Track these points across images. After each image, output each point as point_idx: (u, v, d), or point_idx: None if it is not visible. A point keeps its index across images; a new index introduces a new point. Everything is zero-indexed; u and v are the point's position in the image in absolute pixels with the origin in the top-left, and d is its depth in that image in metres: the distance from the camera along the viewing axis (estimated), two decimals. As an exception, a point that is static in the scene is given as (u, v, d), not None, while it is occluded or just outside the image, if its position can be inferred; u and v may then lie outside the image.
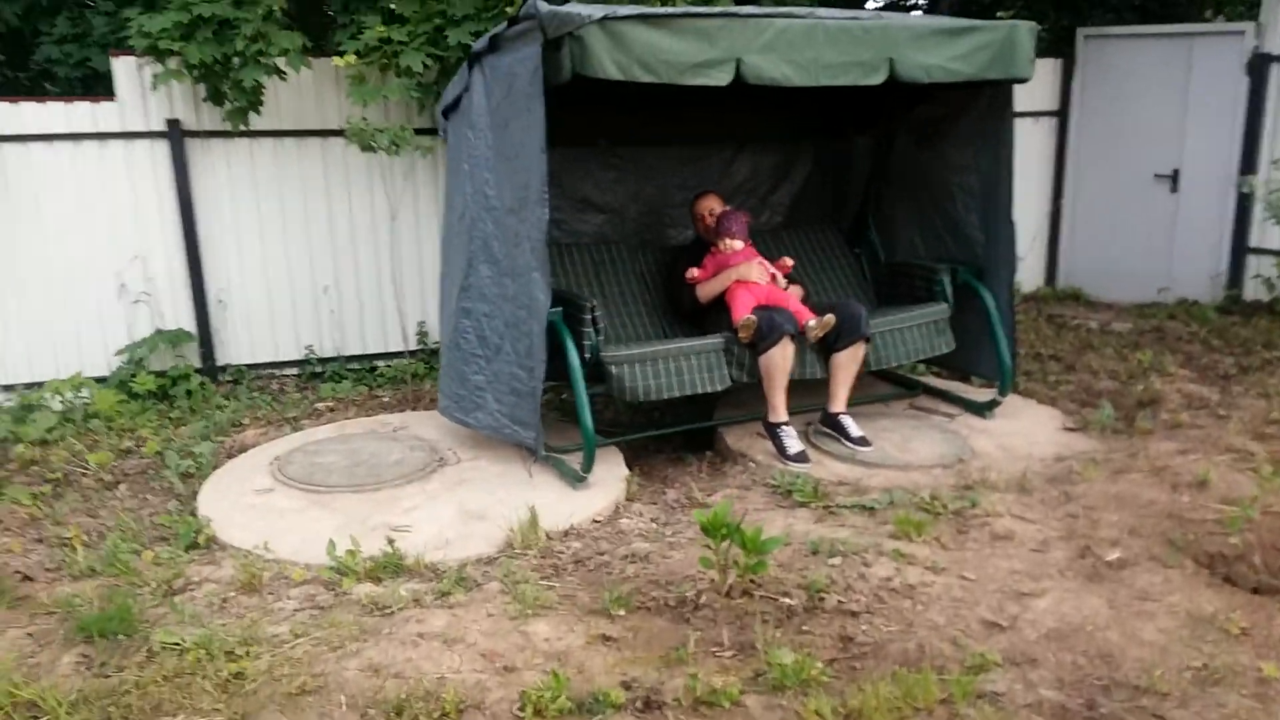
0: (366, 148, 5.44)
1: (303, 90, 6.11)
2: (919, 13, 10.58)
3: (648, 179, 5.20)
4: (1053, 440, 4.54)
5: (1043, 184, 8.05)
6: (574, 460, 4.07)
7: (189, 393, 5.65)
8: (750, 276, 4.51)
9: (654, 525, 3.72)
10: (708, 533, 2.89)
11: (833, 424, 4.44)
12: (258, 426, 5.03)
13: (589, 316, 4.01)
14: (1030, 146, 7.83)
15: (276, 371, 6.31)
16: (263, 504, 3.75)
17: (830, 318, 4.35)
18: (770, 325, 4.22)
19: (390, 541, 3.30)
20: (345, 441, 4.41)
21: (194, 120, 5.93)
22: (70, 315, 5.84)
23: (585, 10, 3.48)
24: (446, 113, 4.45)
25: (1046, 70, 7.78)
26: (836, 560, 3.22)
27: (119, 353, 5.90)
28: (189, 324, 6.11)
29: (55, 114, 5.71)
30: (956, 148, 4.89)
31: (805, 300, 4.73)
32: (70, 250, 5.78)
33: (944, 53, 4.11)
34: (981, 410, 4.86)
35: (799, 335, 4.32)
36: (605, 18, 3.48)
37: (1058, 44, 8.25)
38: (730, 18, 3.72)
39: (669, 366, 4.16)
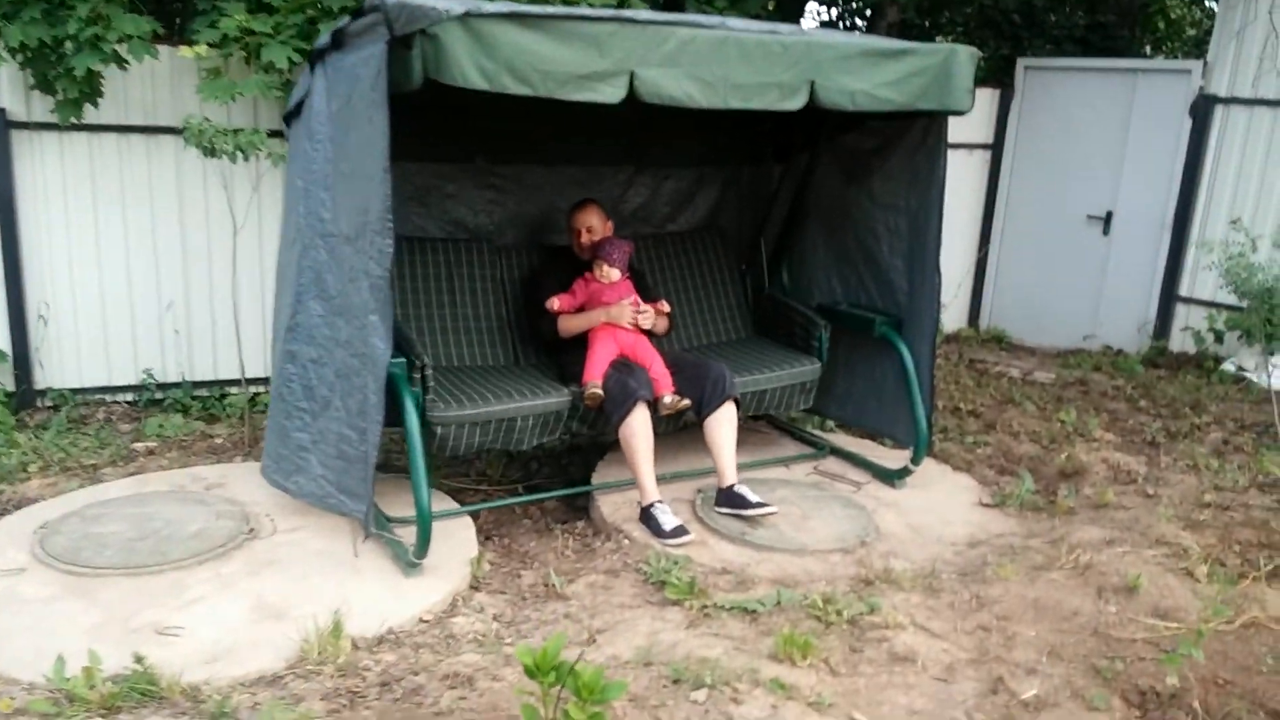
0: (208, 152, 4.72)
1: (156, 81, 5.33)
2: (856, 33, 10.15)
3: (529, 200, 4.58)
4: (967, 518, 4.03)
5: (973, 219, 7.63)
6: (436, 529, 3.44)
7: (-16, 424, 4.83)
8: (621, 321, 3.98)
9: (495, 626, 3.10)
10: (534, 675, 2.27)
11: (729, 499, 3.87)
12: (47, 475, 4.26)
13: (418, 375, 3.45)
14: (962, 180, 7.40)
15: (109, 398, 5.52)
16: (2, 590, 3.02)
17: (686, 402, 3.96)
18: (623, 391, 3.76)
19: (138, 659, 2.60)
20: (140, 503, 3.68)
21: (23, 110, 5.14)
22: None
23: (443, 4, 2.85)
24: (288, 119, 3.78)
25: (983, 100, 7.35)
26: (701, 695, 2.63)
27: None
28: (3, 341, 5.30)
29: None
30: (884, 184, 4.36)
31: (669, 332, 4.35)
32: None
33: (873, 77, 3.56)
34: (892, 478, 4.33)
35: (654, 402, 3.86)
36: (468, 14, 2.85)
37: (996, 73, 7.88)
38: (624, 23, 3.12)
39: (501, 426, 3.71)
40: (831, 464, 4.58)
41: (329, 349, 3.33)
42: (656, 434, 3.85)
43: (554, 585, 3.35)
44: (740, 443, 4.05)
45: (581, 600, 3.28)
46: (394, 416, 3.31)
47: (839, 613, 3.09)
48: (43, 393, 5.42)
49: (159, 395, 5.53)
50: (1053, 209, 7.30)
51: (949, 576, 3.46)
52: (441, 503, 3.92)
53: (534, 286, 4.25)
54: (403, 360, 3.31)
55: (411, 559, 3.26)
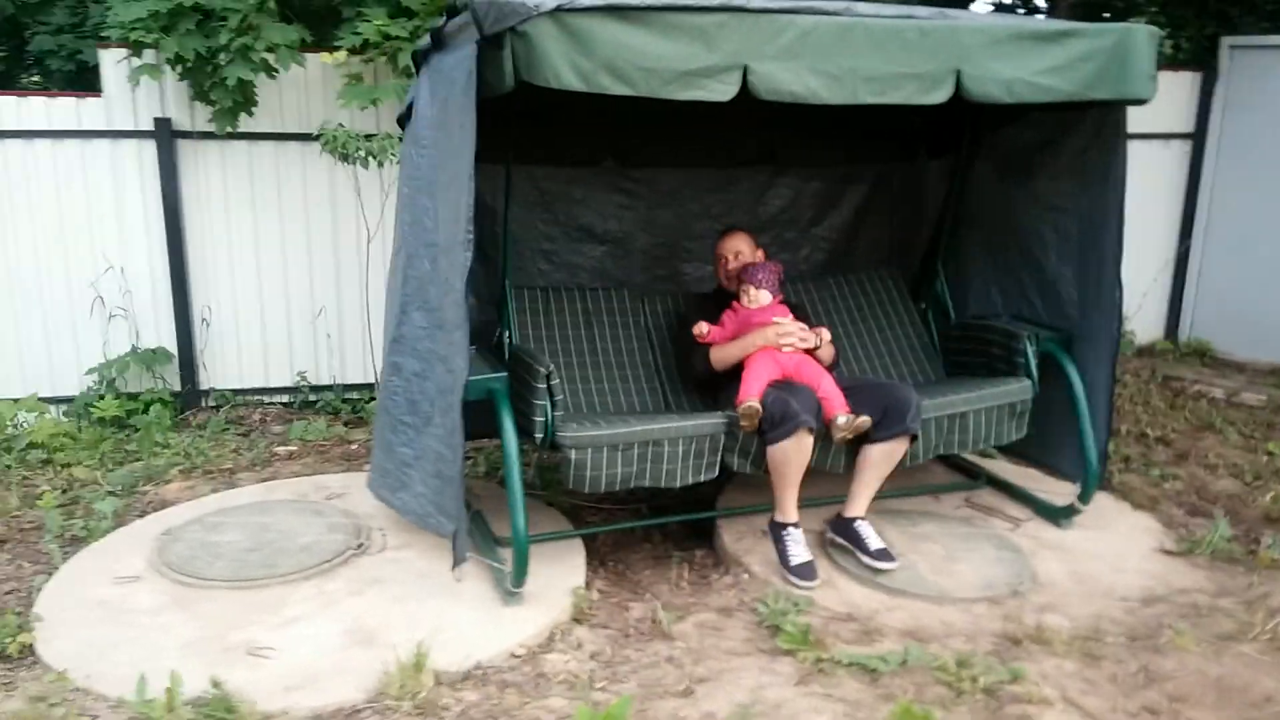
0: (344, 157, 4.76)
1: (310, 89, 5.48)
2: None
3: (662, 205, 4.34)
4: (1144, 567, 3.51)
5: (1169, 218, 6.81)
6: (538, 554, 3.27)
7: (148, 424, 5.07)
8: (779, 341, 3.58)
9: (591, 666, 2.88)
10: (596, 739, 2.05)
11: (847, 532, 3.49)
12: (190, 478, 4.39)
13: (543, 386, 3.21)
14: (1158, 173, 6.64)
15: (266, 399, 5.72)
16: (115, 599, 3.07)
17: (865, 420, 3.41)
18: (784, 412, 3.27)
19: (215, 683, 2.55)
20: (260, 511, 3.71)
21: (187, 120, 5.37)
22: (41, 328, 5.37)
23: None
24: (401, 123, 3.71)
25: (1182, 85, 6.57)
26: (797, 771, 2.33)
27: (89, 372, 5.40)
28: (170, 343, 5.57)
29: (35, 110, 5.23)
30: (1052, 183, 3.88)
31: (837, 366, 3.82)
32: (46, 257, 5.30)
33: (1032, 64, 3.12)
34: (1057, 517, 3.84)
35: (822, 427, 3.38)
36: (560, 8, 2.65)
37: (1198, 55, 7.02)
38: (736, 12, 2.83)
39: (645, 453, 3.28)
40: (987, 496, 4.11)
41: (431, 363, 3.21)
42: (834, 471, 3.52)
43: (661, 622, 3.11)
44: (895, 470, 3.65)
45: (688, 642, 3.03)
46: (520, 430, 3.17)
47: (974, 679, 2.70)
48: (206, 393, 5.67)
49: (312, 398, 5.69)
50: (1267, 205, 6.40)
51: (1114, 640, 2.99)
52: (555, 521, 3.77)
53: (682, 324, 3.94)
54: (504, 375, 3.15)
55: (509, 587, 3.10)
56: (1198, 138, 6.63)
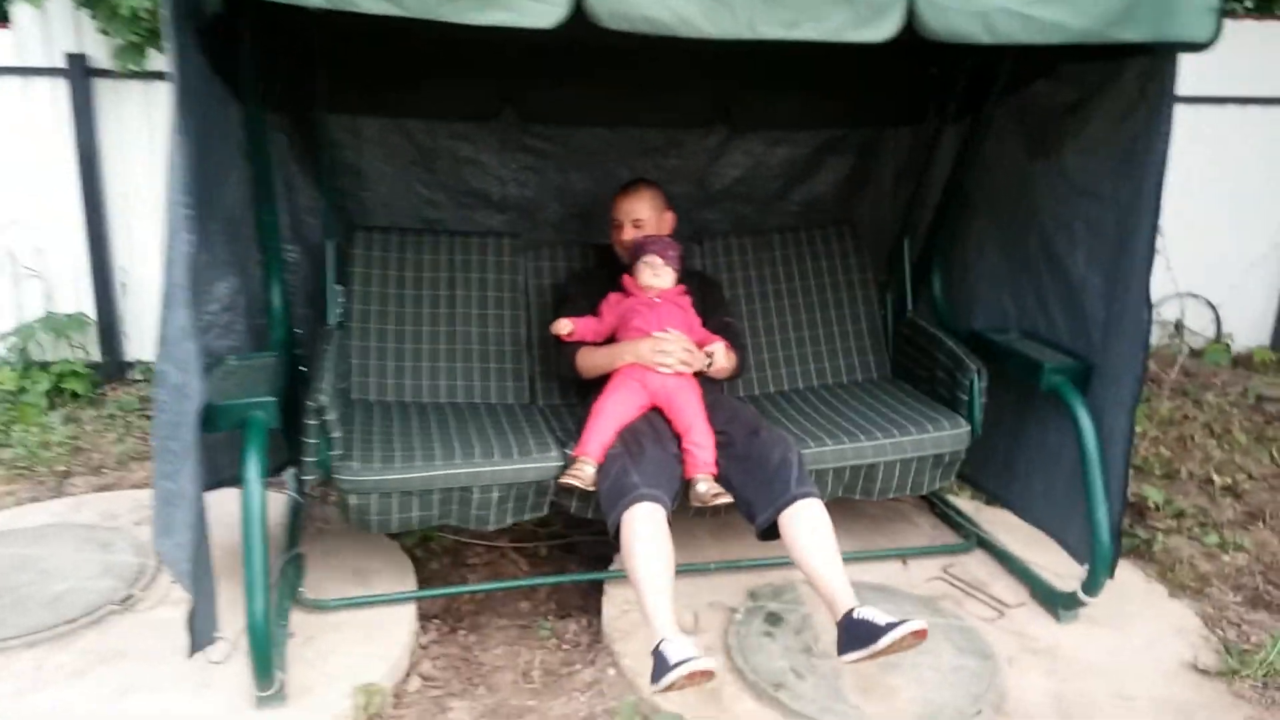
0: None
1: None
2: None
3: (578, 168, 3.49)
4: (1163, 694, 2.55)
5: (1273, 196, 5.59)
6: (349, 623, 2.68)
7: (24, 404, 4.52)
8: (655, 362, 2.81)
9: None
10: None
11: (853, 635, 2.34)
12: (12, 480, 3.78)
13: (316, 422, 2.51)
14: (1256, 143, 5.42)
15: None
16: None
17: (723, 496, 2.65)
18: (617, 484, 2.54)
19: None
20: (35, 540, 3.02)
21: (106, 56, 4.74)
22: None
23: None
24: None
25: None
26: None
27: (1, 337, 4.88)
28: (90, 308, 5.00)
29: (-60, 43, 4.67)
30: (1081, 159, 2.87)
31: (744, 373, 3.21)
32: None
33: (1025, -13, 2.16)
34: (1056, 605, 2.89)
35: (676, 495, 2.64)
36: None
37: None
38: None
39: (451, 497, 2.66)
40: (973, 565, 3.17)
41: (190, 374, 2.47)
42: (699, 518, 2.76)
43: (475, 736, 2.34)
44: (847, 511, 2.89)
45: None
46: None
47: None
48: (132, 364, 5.11)
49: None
50: None
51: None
52: (395, 572, 3.01)
53: (561, 300, 3.19)
54: (272, 401, 2.39)
55: (258, 690, 2.35)
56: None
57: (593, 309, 3.02)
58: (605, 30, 1.99)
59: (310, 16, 1.94)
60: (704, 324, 3.01)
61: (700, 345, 2.90)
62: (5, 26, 4.71)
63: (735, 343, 3.06)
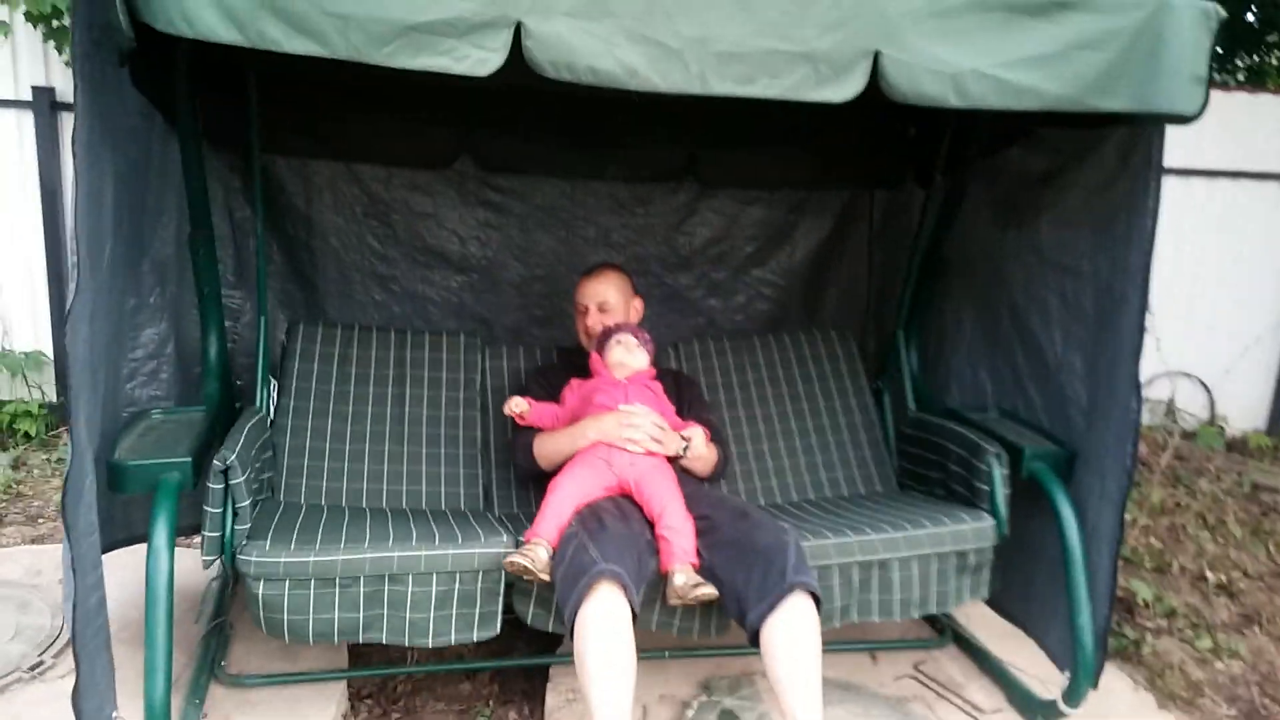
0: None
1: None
2: None
3: (541, 227, 3.32)
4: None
5: (1274, 269, 5.45)
6: (269, 701, 2.43)
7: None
8: (622, 437, 2.51)
9: None
10: None
11: None
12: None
13: (220, 486, 2.22)
14: (1253, 217, 5.31)
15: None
16: None
17: (708, 590, 2.25)
18: (575, 564, 2.16)
19: None
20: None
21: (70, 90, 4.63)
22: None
23: None
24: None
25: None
26: None
27: (-47, 376, 4.72)
28: (48, 346, 4.84)
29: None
30: (1057, 230, 2.72)
31: (719, 478, 2.80)
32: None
33: (1000, 48, 2.00)
34: (1036, 713, 2.65)
35: (645, 586, 2.25)
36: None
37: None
38: None
39: (377, 594, 2.26)
40: (946, 663, 2.94)
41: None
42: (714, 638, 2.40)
43: None
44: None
45: None
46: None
47: None
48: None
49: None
50: None
51: None
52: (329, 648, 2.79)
53: (521, 389, 2.89)
54: (187, 461, 2.19)
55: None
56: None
57: (554, 400, 2.77)
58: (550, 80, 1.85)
59: (246, 52, 1.79)
60: (679, 415, 2.75)
61: (675, 430, 2.62)
62: (-26, 58, 4.62)
63: (715, 438, 2.76)
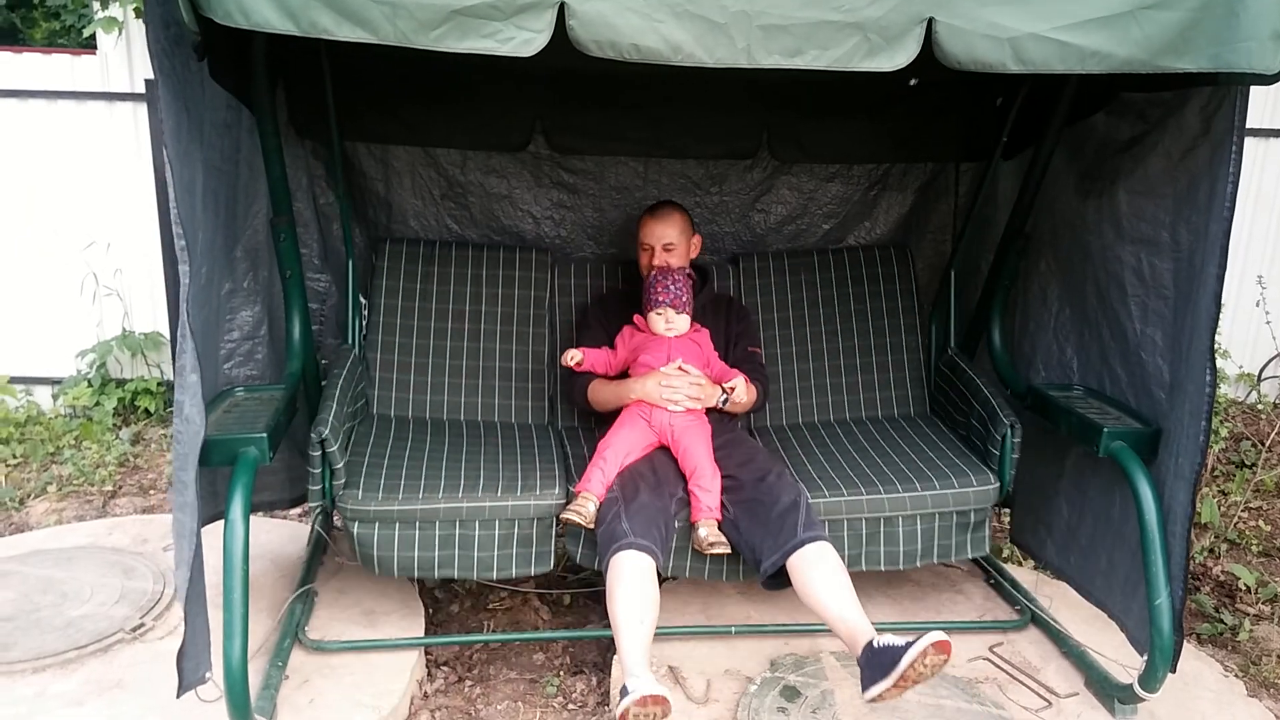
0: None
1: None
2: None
3: (614, 206, 3.35)
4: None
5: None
6: (348, 667, 2.59)
7: (85, 423, 4.65)
8: (663, 399, 2.77)
9: None
10: None
11: (874, 665, 2.21)
12: (63, 497, 3.85)
13: (318, 453, 2.50)
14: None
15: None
16: None
17: (722, 545, 2.59)
18: (612, 529, 2.52)
19: None
20: (63, 562, 3.05)
21: (187, 81, 4.87)
22: (36, 304, 5.04)
23: None
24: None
25: None
26: None
27: (80, 355, 5.05)
28: (165, 326, 5.13)
29: (31, 67, 4.87)
30: (1135, 201, 2.60)
31: (761, 407, 3.12)
32: (37, 230, 4.96)
33: (1059, 10, 1.92)
34: (1113, 697, 2.57)
35: (671, 543, 2.65)
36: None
37: None
38: None
39: (451, 537, 2.61)
40: (1024, 645, 2.87)
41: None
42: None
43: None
44: (891, 575, 2.83)
45: None
46: None
47: None
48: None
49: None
50: None
51: None
52: (404, 614, 2.91)
53: (580, 325, 3.14)
54: (263, 437, 2.33)
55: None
56: None
57: (610, 338, 2.98)
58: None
59: (321, 43, 1.89)
60: (725, 355, 2.96)
61: (718, 381, 2.84)
62: (91, 53, 4.89)
63: (756, 375, 2.98)
